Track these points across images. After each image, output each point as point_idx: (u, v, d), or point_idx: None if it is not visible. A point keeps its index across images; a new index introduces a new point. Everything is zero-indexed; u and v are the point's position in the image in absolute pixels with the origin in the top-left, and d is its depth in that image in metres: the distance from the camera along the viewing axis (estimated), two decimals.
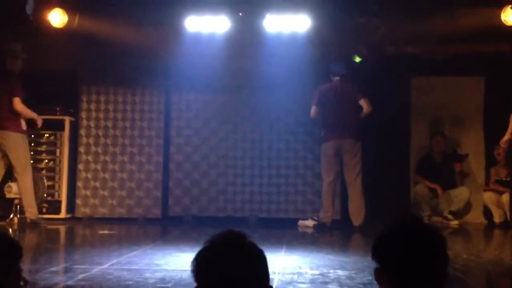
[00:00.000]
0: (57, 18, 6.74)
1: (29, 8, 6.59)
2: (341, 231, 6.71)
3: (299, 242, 5.71)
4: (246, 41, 7.01)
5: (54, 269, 3.93)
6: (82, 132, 7.64)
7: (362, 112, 6.75)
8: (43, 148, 7.47)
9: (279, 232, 6.53)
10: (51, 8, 6.70)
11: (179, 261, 4.16)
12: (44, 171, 7.34)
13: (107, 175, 7.60)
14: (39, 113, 7.34)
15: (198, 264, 1.45)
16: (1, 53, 6.49)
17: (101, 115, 7.68)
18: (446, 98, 7.85)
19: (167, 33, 7.00)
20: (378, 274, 1.52)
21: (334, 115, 6.78)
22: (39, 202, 7.08)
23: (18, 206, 6.64)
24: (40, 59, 7.05)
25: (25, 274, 1.73)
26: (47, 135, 7.46)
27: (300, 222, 6.97)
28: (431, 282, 1.48)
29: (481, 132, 7.77)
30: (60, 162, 7.45)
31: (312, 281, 3.51)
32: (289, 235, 6.19)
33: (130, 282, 3.39)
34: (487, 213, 7.52)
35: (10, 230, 6.15)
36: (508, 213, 7.13)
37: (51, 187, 7.35)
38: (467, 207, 7.61)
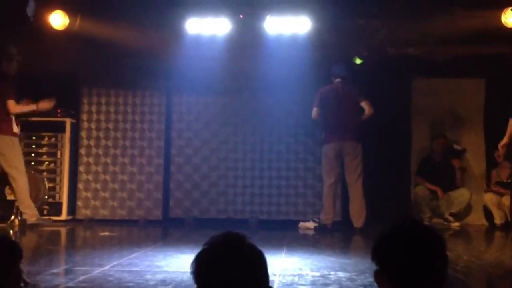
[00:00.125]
0: (58, 20, 6.75)
1: (30, 10, 6.59)
2: (342, 233, 6.71)
3: (299, 244, 5.71)
4: (247, 43, 7.01)
5: (55, 270, 3.93)
6: (83, 134, 7.65)
7: (363, 114, 6.76)
8: (44, 150, 7.48)
9: (279, 234, 6.53)
10: (52, 10, 6.71)
11: (180, 262, 4.16)
12: (45, 173, 7.35)
13: (108, 177, 7.60)
14: (40, 115, 7.36)
15: (198, 266, 1.45)
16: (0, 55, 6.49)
17: (102, 117, 7.69)
18: (447, 100, 7.86)
19: (168, 35, 7.01)
20: (378, 275, 1.52)
21: (335, 117, 6.78)
22: (40, 203, 7.09)
23: (18, 208, 6.64)
24: (41, 61, 7.06)
25: (26, 276, 1.73)
26: (48, 137, 7.47)
27: (301, 224, 6.97)
28: (431, 284, 1.48)
29: (481, 133, 7.77)
30: (61, 164, 7.46)
31: (313, 283, 3.51)
32: (289, 237, 6.19)
33: (131, 284, 3.40)
34: (488, 214, 7.51)
35: (11, 231, 6.15)
36: (509, 215, 7.13)
37: (52, 189, 7.36)
38: (468, 208, 7.61)
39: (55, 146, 7.50)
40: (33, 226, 6.34)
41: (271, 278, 1.51)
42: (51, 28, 6.73)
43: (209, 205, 7.61)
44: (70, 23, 6.78)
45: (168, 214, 7.61)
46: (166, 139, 7.71)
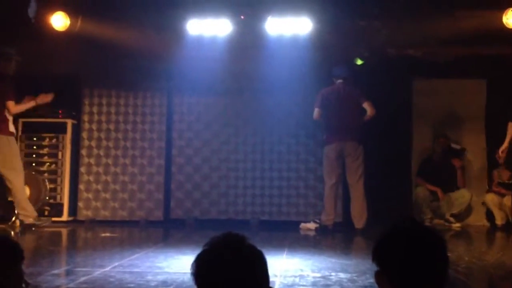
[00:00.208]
0: (59, 21, 6.75)
1: (31, 11, 6.59)
2: (343, 233, 6.71)
3: (301, 244, 5.71)
4: (248, 44, 7.01)
5: (56, 271, 3.93)
6: (84, 135, 7.66)
7: (365, 115, 6.76)
8: (45, 151, 7.48)
9: (280, 235, 6.53)
10: (53, 11, 6.72)
11: (181, 263, 4.16)
12: (46, 174, 7.36)
13: (109, 178, 7.61)
14: (41, 116, 7.38)
15: (198, 267, 1.45)
16: None
17: (103, 118, 7.70)
18: (448, 101, 7.85)
19: (169, 36, 7.01)
20: (379, 276, 1.52)
21: (337, 118, 6.78)
22: (41, 204, 7.09)
23: None
24: (42, 62, 7.06)
25: (27, 277, 1.73)
26: (49, 138, 7.48)
27: (302, 225, 6.97)
28: (432, 285, 1.48)
29: (482, 134, 7.76)
30: (62, 164, 7.47)
31: (314, 284, 3.51)
32: (290, 237, 6.19)
33: (132, 285, 3.40)
34: (490, 215, 7.51)
35: (12, 232, 6.15)
36: (510, 216, 7.13)
37: (53, 189, 7.36)
38: (469, 209, 7.60)
39: (56, 147, 7.50)
40: (30, 227, 6.28)
41: (272, 279, 1.51)
42: (52, 29, 6.74)
43: (210, 206, 7.61)
44: (71, 24, 6.78)
45: (169, 215, 7.61)
46: (167, 140, 7.71)
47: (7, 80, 6.31)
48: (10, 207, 6.69)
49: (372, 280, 1.55)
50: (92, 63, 7.60)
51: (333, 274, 3.82)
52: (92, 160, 7.63)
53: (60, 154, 7.49)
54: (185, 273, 3.59)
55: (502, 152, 6.34)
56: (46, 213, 7.24)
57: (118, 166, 7.63)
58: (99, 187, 7.59)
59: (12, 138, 6.35)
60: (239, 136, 7.68)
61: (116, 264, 4.13)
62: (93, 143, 7.66)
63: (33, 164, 7.40)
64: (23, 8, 6.57)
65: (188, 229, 7.12)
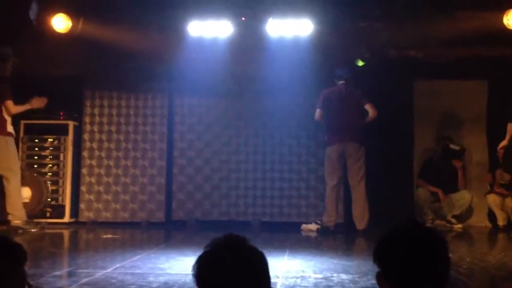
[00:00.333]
0: (60, 23, 6.76)
1: (32, 13, 6.60)
2: (345, 235, 6.71)
3: (302, 246, 5.71)
4: (249, 46, 7.02)
5: (57, 273, 3.94)
6: (86, 136, 7.67)
7: (367, 117, 6.76)
8: (47, 152, 7.49)
9: (282, 236, 6.53)
10: (54, 13, 6.73)
11: (183, 265, 4.16)
12: (48, 176, 7.36)
13: (110, 180, 7.62)
14: (43, 118, 7.39)
15: (199, 268, 1.46)
16: None
17: (105, 120, 7.71)
18: (449, 102, 7.85)
19: (170, 38, 7.03)
20: (380, 277, 1.52)
21: (338, 119, 6.78)
22: (43, 206, 7.10)
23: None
24: (43, 64, 7.08)
25: (29, 279, 1.73)
26: (51, 139, 7.49)
27: (303, 226, 6.97)
28: (433, 286, 1.48)
29: (484, 135, 7.76)
30: (64, 166, 7.47)
31: (316, 285, 3.51)
32: (292, 239, 6.19)
33: (134, 286, 3.40)
34: (492, 216, 7.50)
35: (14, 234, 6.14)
36: None
37: (55, 191, 7.37)
38: (471, 210, 7.60)
39: (58, 149, 7.51)
40: (17, 229, 6.11)
41: (273, 280, 1.51)
42: (53, 31, 6.75)
43: (212, 207, 7.62)
44: (72, 26, 6.79)
45: (171, 216, 7.61)
46: (168, 141, 7.72)
47: (4, 81, 6.26)
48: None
49: (373, 281, 1.55)
50: (93, 65, 7.61)
51: (334, 275, 3.82)
52: (93, 162, 7.63)
53: (61, 155, 7.50)
54: (186, 274, 3.60)
55: (500, 148, 6.40)
56: (48, 214, 7.25)
57: (120, 167, 7.64)
58: (101, 188, 7.60)
59: (11, 139, 6.28)
60: (240, 138, 7.69)
61: (118, 265, 4.13)
62: (95, 145, 7.67)
63: (35, 166, 7.41)
64: (24, 10, 6.58)
65: (189, 230, 7.12)
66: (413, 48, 7.32)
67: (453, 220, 7.45)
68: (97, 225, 7.31)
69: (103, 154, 7.66)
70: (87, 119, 7.70)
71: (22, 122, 7.29)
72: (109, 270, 3.91)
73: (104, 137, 7.69)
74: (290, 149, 7.65)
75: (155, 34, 6.95)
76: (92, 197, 7.58)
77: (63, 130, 7.50)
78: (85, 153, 7.64)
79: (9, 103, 6.19)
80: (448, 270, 1.52)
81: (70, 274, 3.94)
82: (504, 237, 6.93)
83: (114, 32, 6.92)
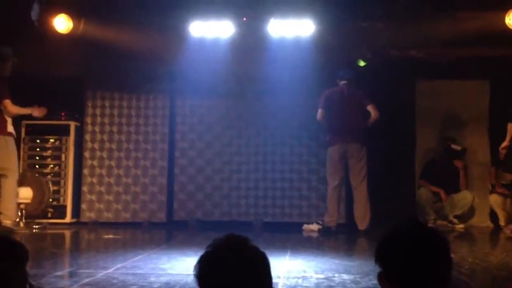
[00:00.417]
0: (62, 23, 6.77)
1: (34, 14, 6.60)
2: (346, 235, 6.71)
3: (303, 246, 5.71)
4: (250, 46, 7.02)
5: (59, 273, 3.94)
6: (87, 137, 7.67)
7: (369, 118, 6.75)
8: (49, 153, 7.50)
9: (283, 236, 6.52)
10: (56, 13, 6.73)
11: (184, 265, 4.16)
12: (49, 176, 7.37)
13: (112, 180, 7.62)
14: (44, 118, 7.37)
15: (201, 269, 1.45)
16: None
17: (106, 120, 7.72)
18: (451, 102, 7.84)
19: (172, 38, 7.03)
20: (382, 277, 1.52)
21: (340, 119, 6.78)
22: (45, 206, 7.11)
23: (23, 211, 6.65)
24: (45, 64, 7.08)
25: (30, 279, 1.73)
26: (53, 140, 7.50)
27: (305, 226, 6.97)
28: (435, 286, 1.48)
29: (486, 135, 7.75)
30: (65, 167, 7.48)
31: (317, 285, 3.51)
32: (293, 239, 6.19)
33: (135, 287, 3.40)
34: (494, 216, 7.49)
35: (16, 234, 6.15)
36: None
37: (57, 192, 7.37)
38: (472, 210, 7.59)
39: (59, 149, 7.52)
40: (7, 229, 6.01)
41: (275, 280, 1.51)
42: (55, 31, 6.76)
43: (213, 208, 7.62)
44: (74, 27, 6.80)
45: (172, 217, 7.62)
46: (169, 142, 7.72)
47: (3, 81, 6.22)
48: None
49: (375, 282, 1.55)
50: (95, 65, 7.62)
51: (336, 275, 3.82)
52: (95, 162, 7.64)
53: (63, 156, 7.51)
54: (188, 274, 3.60)
55: (502, 148, 6.43)
56: (49, 215, 7.26)
57: (121, 168, 7.64)
58: (102, 189, 7.60)
59: (10, 139, 6.25)
60: (241, 138, 7.69)
61: (119, 265, 4.13)
62: (96, 145, 7.67)
63: (37, 166, 7.42)
64: (26, 10, 6.59)
65: (191, 230, 7.12)
66: (415, 48, 7.32)
67: (455, 220, 7.44)
68: (99, 225, 7.32)
69: (104, 155, 7.66)
70: (88, 120, 7.70)
71: (24, 122, 7.30)
72: (110, 271, 3.91)
73: (105, 137, 7.69)
74: (291, 149, 7.64)
75: (157, 34, 6.95)
76: (93, 197, 7.59)
77: (65, 131, 7.51)
78: (86, 154, 7.65)
79: (7, 102, 6.15)
80: (450, 270, 1.51)
81: (72, 275, 3.95)
82: (506, 237, 6.92)
83: (115, 33, 6.92)
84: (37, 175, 7.18)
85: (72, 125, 7.54)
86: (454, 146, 7.63)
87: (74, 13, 6.81)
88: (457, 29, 6.64)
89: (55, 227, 6.93)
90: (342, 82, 6.89)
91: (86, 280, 3.56)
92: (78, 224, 7.39)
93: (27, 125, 7.40)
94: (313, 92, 7.16)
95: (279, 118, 7.63)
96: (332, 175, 6.82)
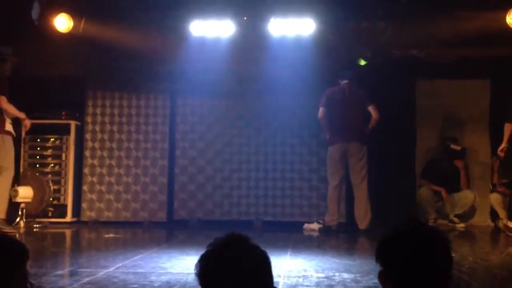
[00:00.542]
0: (62, 23, 6.77)
1: (34, 13, 6.61)
2: (347, 234, 6.70)
3: (304, 245, 5.71)
4: (251, 45, 7.02)
5: (60, 272, 3.94)
6: (88, 136, 7.67)
7: (369, 121, 6.73)
8: (49, 152, 7.50)
9: (284, 236, 6.52)
10: (56, 13, 6.74)
11: (185, 264, 4.17)
12: (50, 175, 7.37)
13: (112, 179, 7.62)
14: (45, 118, 7.40)
15: (202, 267, 1.45)
16: None
17: (107, 119, 7.72)
18: (452, 101, 7.84)
19: (172, 38, 7.03)
20: (382, 276, 1.52)
21: (341, 118, 6.78)
22: (45, 206, 7.11)
23: (24, 210, 6.66)
24: (45, 63, 7.09)
25: (31, 278, 1.73)
26: (53, 139, 7.50)
27: (306, 226, 6.97)
28: (435, 285, 1.48)
29: (487, 134, 7.74)
30: (65, 166, 7.48)
31: (318, 284, 3.51)
32: (294, 238, 6.19)
33: (136, 286, 3.40)
34: (494, 215, 7.49)
35: (17, 234, 6.16)
36: None
37: (57, 191, 7.38)
38: (473, 210, 7.59)
39: (60, 148, 7.52)
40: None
41: (275, 279, 1.51)
42: (55, 31, 6.76)
43: (214, 207, 7.62)
44: (74, 26, 6.80)
45: (173, 216, 7.62)
46: (170, 141, 7.72)
47: (2, 80, 6.17)
48: (14, 209, 6.69)
49: (376, 281, 1.55)
50: (95, 65, 7.62)
51: (336, 274, 3.82)
52: (95, 161, 7.64)
53: (63, 155, 7.51)
54: (188, 273, 3.60)
55: (501, 151, 6.44)
56: (50, 214, 7.27)
57: (122, 167, 7.64)
58: (103, 188, 7.61)
59: (8, 137, 6.22)
60: (242, 137, 7.69)
61: (120, 264, 4.13)
62: (97, 145, 7.67)
63: (37, 166, 7.42)
64: (26, 10, 6.59)
65: (191, 230, 7.11)
66: (415, 48, 7.32)
67: (456, 220, 7.44)
68: (99, 224, 7.32)
69: (105, 154, 7.66)
70: (89, 119, 7.70)
71: (30, 120, 7.28)
72: (111, 270, 3.91)
73: (106, 136, 7.69)
74: (292, 149, 7.64)
75: (157, 34, 6.95)
76: (94, 196, 7.59)
77: (65, 130, 7.51)
78: (87, 153, 7.65)
79: (2, 99, 6.10)
80: (451, 269, 1.51)
81: (72, 274, 3.95)
82: (507, 236, 6.91)
83: (116, 32, 6.92)
84: (37, 174, 7.18)
85: (73, 124, 7.54)
86: (453, 146, 7.63)
87: (74, 13, 6.81)
88: (458, 29, 6.64)
89: (56, 226, 6.94)
90: (344, 81, 6.88)
91: (86, 279, 3.56)
92: (78, 223, 7.39)
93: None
94: (314, 91, 7.16)
95: (279, 118, 7.63)
96: (333, 175, 6.82)
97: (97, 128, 7.71)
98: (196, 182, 7.64)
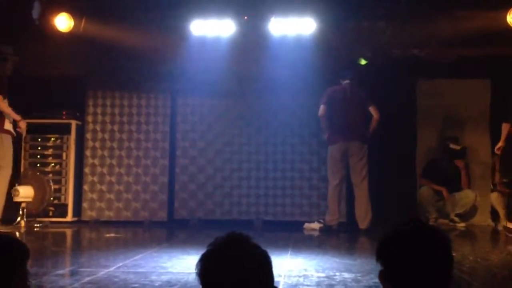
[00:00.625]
0: (63, 22, 6.77)
1: (35, 13, 6.61)
2: (347, 234, 6.70)
3: (305, 244, 5.71)
4: (251, 45, 7.02)
5: (60, 272, 3.95)
6: (88, 135, 7.68)
7: (372, 120, 6.73)
8: (50, 151, 7.50)
9: (285, 235, 6.52)
10: (57, 12, 6.74)
11: (185, 264, 4.17)
12: (50, 175, 7.37)
13: (113, 179, 7.62)
14: (45, 117, 7.40)
15: (203, 267, 1.46)
16: None
17: (107, 119, 7.72)
18: (452, 101, 7.84)
19: (173, 37, 7.03)
20: (383, 276, 1.52)
21: (342, 118, 6.77)
22: (46, 205, 7.11)
23: (25, 210, 6.66)
24: (46, 63, 7.09)
25: (31, 277, 1.73)
26: (54, 138, 7.50)
27: (306, 225, 6.97)
28: (436, 284, 1.48)
29: (487, 134, 7.74)
30: (66, 165, 7.49)
31: (318, 284, 3.51)
32: (295, 238, 6.19)
33: (136, 285, 3.40)
34: (495, 215, 7.49)
35: (18, 233, 6.16)
36: None
37: (58, 190, 7.38)
38: (474, 209, 7.59)
39: (60, 147, 7.52)
40: None
41: (276, 279, 1.51)
42: (56, 30, 6.76)
43: (214, 206, 7.62)
44: (75, 26, 6.80)
45: (173, 216, 7.62)
46: (171, 141, 7.73)
47: (2, 80, 6.16)
48: (15, 208, 6.70)
49: (376, 280, 1.55)
50: (96, 64, 7.62)
51: (337, 274, 3.82)
52: (96, 161, 7.64)
53: (64, 155, 7.51)
54: (189, 273, 3.60)
55: (497, 149, 6.48)
56: (50, 213, 7.27)
57: (122, 166, 7.65)
58: (104, 187, 7.61)
59: (7, 136, 6.20)
60: (242, 137, 7.69)
61: (121, 264, 4.14)
62: (97, 144, 7.68)
63: (38, 165, 7.42)
64: (27, 9, 6.59)
65: (192, 229, 7.12)
66: (416, 47, 7.31)
67: (456, 219, 7.44)
68: (100, 224, 7.32)
69: (105, 153, 7.66)
70: (89, 118, 7.71)
71: (25, 121, 7.28)
72: (111, 269, 3.92)
73: (106, 136, 7.69)
74: (292, 148, 7.64)
75: (158, 33, 6.95)
76: (94, 196, 7.59)
77: (66, 129, 7.51)
78: (87, 152, 7.65)
79: None
80: (452, 268, 1.51)
81: (73, 273, 3.95)
82: (507, 235, 6.91)
83: (116, 32, 6.93)
84: (38, 173, 7.18)
85: (73, 123, 7.54)
86: (452, 146, 7.63)
87: (75, 12, 6.81)
88: (458, 28, 6.63)
89: (56, 226, 6.94)
90: (345, 81, 6.88)
91: (87, 279, 3.56)
92: (79, 222, 7.40)
93: (28, 124, 7.39)
94: (314, 90, 7.15)
95: (280, 117, 7.63)
96: (334, 174, 6.82)
97: (98, 127, 7.71)
98: (196, 181, 7.64)
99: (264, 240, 5.52)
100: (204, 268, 1.45)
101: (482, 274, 4.23)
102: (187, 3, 6.73)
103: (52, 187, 7.17)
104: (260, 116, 7.67)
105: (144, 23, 6.85)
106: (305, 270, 3.99)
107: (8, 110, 6.21)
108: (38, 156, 7.48)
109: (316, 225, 6.88)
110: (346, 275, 3.78)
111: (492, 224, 7.50)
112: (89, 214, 7.55)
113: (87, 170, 7.62)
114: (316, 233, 6.71)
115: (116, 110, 7.74)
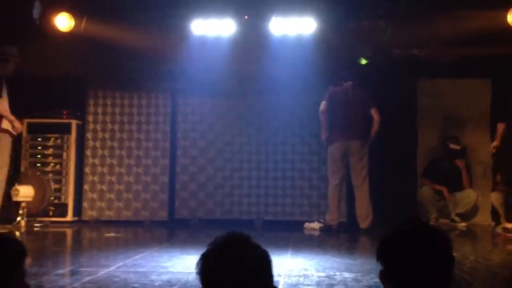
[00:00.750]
0: (63, 22, 6.77)
1: (36, 12, 6.61)
2: (348, 233, 6.70)
3: (305, 244, 5.71)
4: (252, 44, 7.02)
5: (60, 271, 3.95)
6: (89, 135, 7.68)
7: (373, 122, 6.72)
8: (50, 151, 7.50)
9: (285, 235, 6.52)
10: (57, 12, 6.74)
11: (185, 263, 4.17)
12: (51, 174, 7.37)
13: (113, 178, 7.62)
14: (46, 117, 7.41)
15: (203, 266, 1.45)
16: None
17: (108, 119, 7.72)
18: (453, 100, 7.84)
19: (173, 37, 7.03)
20: (383, 276, 1.52)
21: (342, 118, 6.76)
22: (46, 205, 7.11)
23: (25, 209, 6.66)
24: (46, 63, 7.08)
25: (32, 277, 1.73)
26: (54, 138, 7.50)
27: (306, 225, 6.97)
28: (437, 284, 1.48)
29: (488, 134, 7.73)
30: (66, 165, 7.49)
31: (318, 283, 3.50)
32: (295, 237, 6.19)
33: (137, 285, 3.40)
34: (495, 214, 7.48)
35: (18, 233, 6.16)
36: None
37: (58, 190, 7.38)
38: (475, 209, 7.58)
39: (61, 147, 7.52)
40: None
41: (276, 278, 1.51)
42: (57, 30, 6.77)
43: (215, 206, 7.62)
44: (75, 25, 6.80)
45: (174, 215, 7.62)
46: (171, 140, 7.73)
47: (2, 80, 6.12)
48: (14, 208, 6.70)
49: (376, 280, 1.55)
50: (96, 64, 7.61)
51: (337, 273, 3.82)
52: (96, 161, 7.64)
53: (64, 154, 7.51)
54: (189, 272, 3.60)
55: (492, 148, 6.51)
56: (50, 213, 7.27)
57: (123, 166, 7.65)
58: (104, 187, 7.61)
59: (4, 135, 6.14)
60: (243, 136, 7.69)
61: (121, 264, 4.14)
62: (98, 144, 7.68)
63: (38, 165, 7.42)
64: (27, 9, 6.59)
65: (192, 229, 7.12)
66: (416, 47, 7.31)
67: (457, 219, 7.44)
68: (100, 223, 7.32)
69: (106, 153, 7.66)
70: (90, 118, 7.71)
71: (25, 121, 7.30)
72: (112, 269, 3.92)
73: (107, 136, 7.69)
74: (292, 148, 7.64)
75: (158, 33, 6.95)
76: (95, 195, 7.59)
77: (66, 129, 7.51)
78: (88, 152, 7.65)
79: None
80: (452, 268, 1.51)
81: (73, 273, 3.95)
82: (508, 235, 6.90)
83: (117, 31, 6.92)
84: (38, 173, 7.18)
85: (74, 123, 7.54)
86: (452, 146, 7.63)
87: (75, 12, 6.81)
88: (459, 28, 6.63)
89: (57, 226, 6.94)
90: (348, 82, 6.87)
91: (87, 279, 3.56)
92: (79, 222, 7.40)
93: (28, 123, 7.41)
94: (315, 90, 7.15)
95: (280, 117, 7.63)
96: (334, 174, 6.81)
97: (98, 127, 7.71)
98: (197, 181, 7.64)
99: (264, 239, 5.50)
100: (205, 268, 1.45)
101: (483, 274, 4.22)
102: (187, 2, 6.73)
103: (52, 187, 7.18)
104: (260, 116, 7.67)
105: (145, 22, 6.85)
106: (305, 269, 3.99)
107: (7, 113, 6.15)
108: (39, 156, 7.48)
109: (316, 225, 6.88)
110: (347, 274, 3.78)
111: (493, 224, 7.49)
112: (89, 213, 7.55)
113: (87, 169, 7.62)
114: (316, 233, 6.71)
115: (117, 110, 7.74)
